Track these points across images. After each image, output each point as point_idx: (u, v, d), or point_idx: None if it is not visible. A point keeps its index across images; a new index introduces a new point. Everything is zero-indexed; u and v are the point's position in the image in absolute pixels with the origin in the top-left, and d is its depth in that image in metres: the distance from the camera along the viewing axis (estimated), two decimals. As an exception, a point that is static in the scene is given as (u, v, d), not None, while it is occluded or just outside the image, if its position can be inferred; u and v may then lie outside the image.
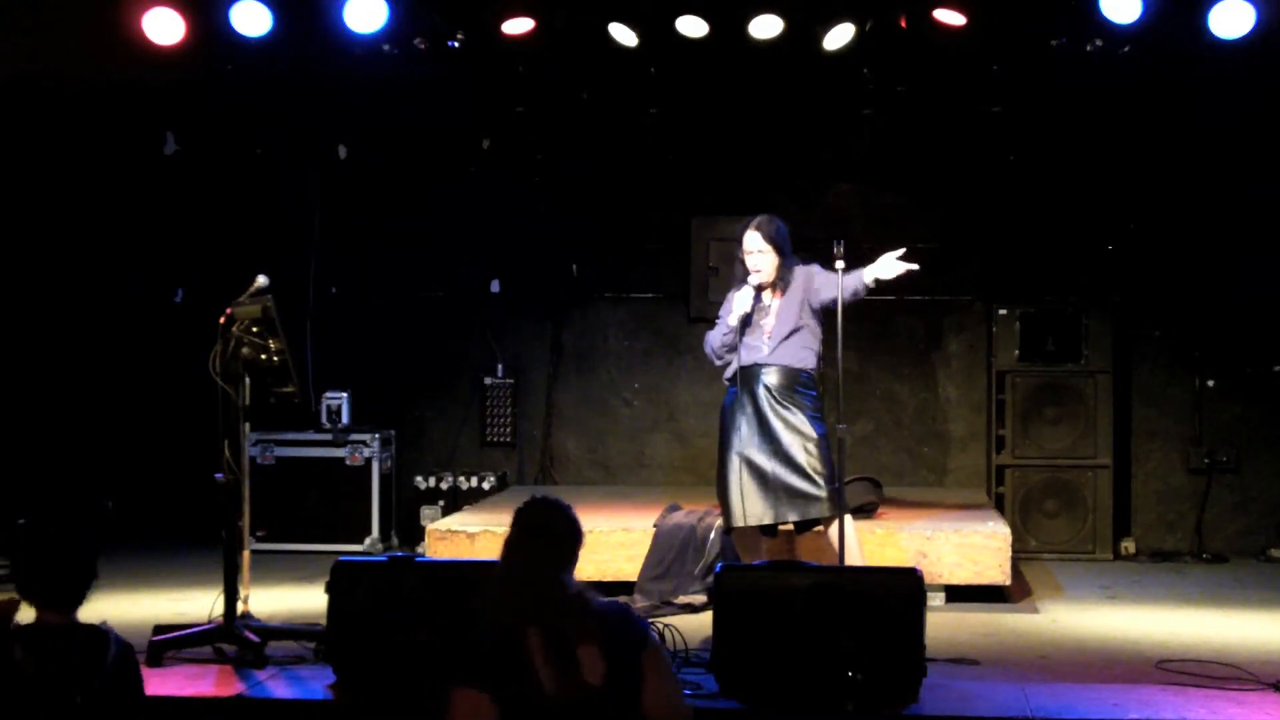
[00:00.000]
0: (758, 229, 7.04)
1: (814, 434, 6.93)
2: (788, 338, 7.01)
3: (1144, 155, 9.65)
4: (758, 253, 7.02)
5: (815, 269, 7.06)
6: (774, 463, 6.92)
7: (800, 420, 6.95)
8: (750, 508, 6.94)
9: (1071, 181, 9.77)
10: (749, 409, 6.99)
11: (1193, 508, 9.78)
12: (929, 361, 10.12)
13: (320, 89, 9.52)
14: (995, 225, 9.91)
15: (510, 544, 3.95)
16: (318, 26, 8.72)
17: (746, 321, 7.02)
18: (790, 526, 7.10)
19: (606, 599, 3.97)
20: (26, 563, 4.02)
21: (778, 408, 6.97)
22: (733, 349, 7.04)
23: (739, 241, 7.10)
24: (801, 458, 6.90)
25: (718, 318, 7.20)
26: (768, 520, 6.96)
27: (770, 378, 7.00)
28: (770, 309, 7.06)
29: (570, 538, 3.96)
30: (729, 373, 7.13)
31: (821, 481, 6.89)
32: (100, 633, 3.99)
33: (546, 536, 3.93)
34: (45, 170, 9.95)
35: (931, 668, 5.57)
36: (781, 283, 7.07)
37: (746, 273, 7.05)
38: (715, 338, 7.12)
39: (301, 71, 9.15)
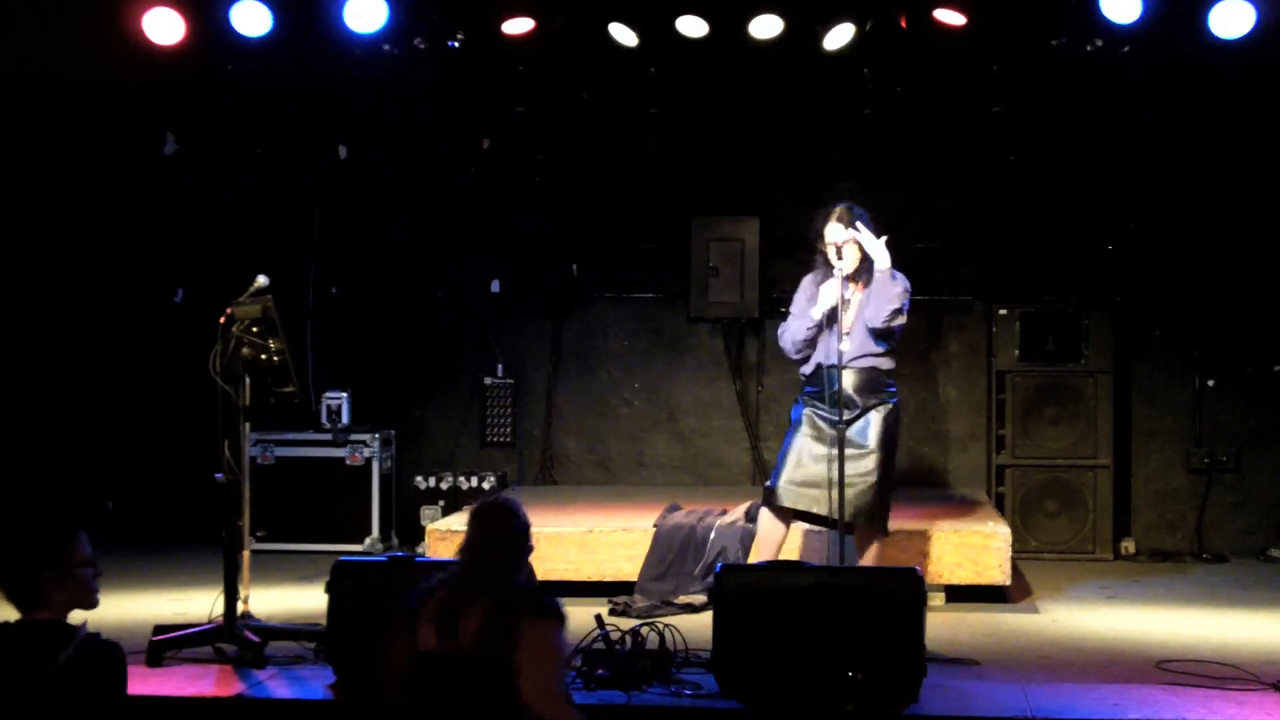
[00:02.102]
0: (839, 220, 6.87)
1: (879, 447, 6.84)
2: (869, 336, 6.87)
3: (1144, 155, 9.66)
4: (843, 243, 6.86)
5: (898, 283, 6.83)
6: (834, 465, 6.76)
7: (871, 432, 6.84)
8: (806, 491, 6.86)
9: (1072, 181, 9.77)
10: (824, 409, 6.87)
11: (1193, 508, 9.79)
12: (929, 361, 10.12)
13: (320, 89, 9.53)
14: (995, 225, 9.92)
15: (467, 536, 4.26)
16: (318, 26, 8.72)
17: (832, 315, 6.85)
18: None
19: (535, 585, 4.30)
20: None
21: (851, 412, 6.82)
22: (814, 343, 6.90)
23: (819, 234, 6.92)
24: (860, 469, 6.79)
25: (788, 310, 7.06)
26: (803, 507, 6.89)
27: (849, 379, 6.86)
28: (851, 302, 6.91)
29: (515, 534, 4.23)
30: (808, 369, 6.98)
31: (874, 502, 6.83)
32: (66, 630, 3.98)
33: (494, 532, 4.22)
34: (45, 170, 9.95)
35: (931, 668, 5.57)
36: (865, 274, 6.90)
37: (826, 263, 6.91)
38: (798, 331, 6.92)
39: (301, 71, 9.16)
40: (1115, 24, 8.28)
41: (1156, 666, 6.27)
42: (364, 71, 9.09)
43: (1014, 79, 9.20)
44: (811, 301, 6.93)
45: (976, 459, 9.99)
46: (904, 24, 8.58)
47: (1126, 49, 8.52)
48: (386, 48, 8.85)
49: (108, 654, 4.03)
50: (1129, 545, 9.60)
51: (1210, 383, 9.80)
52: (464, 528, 4.32)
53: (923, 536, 7.75)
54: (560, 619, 4.11)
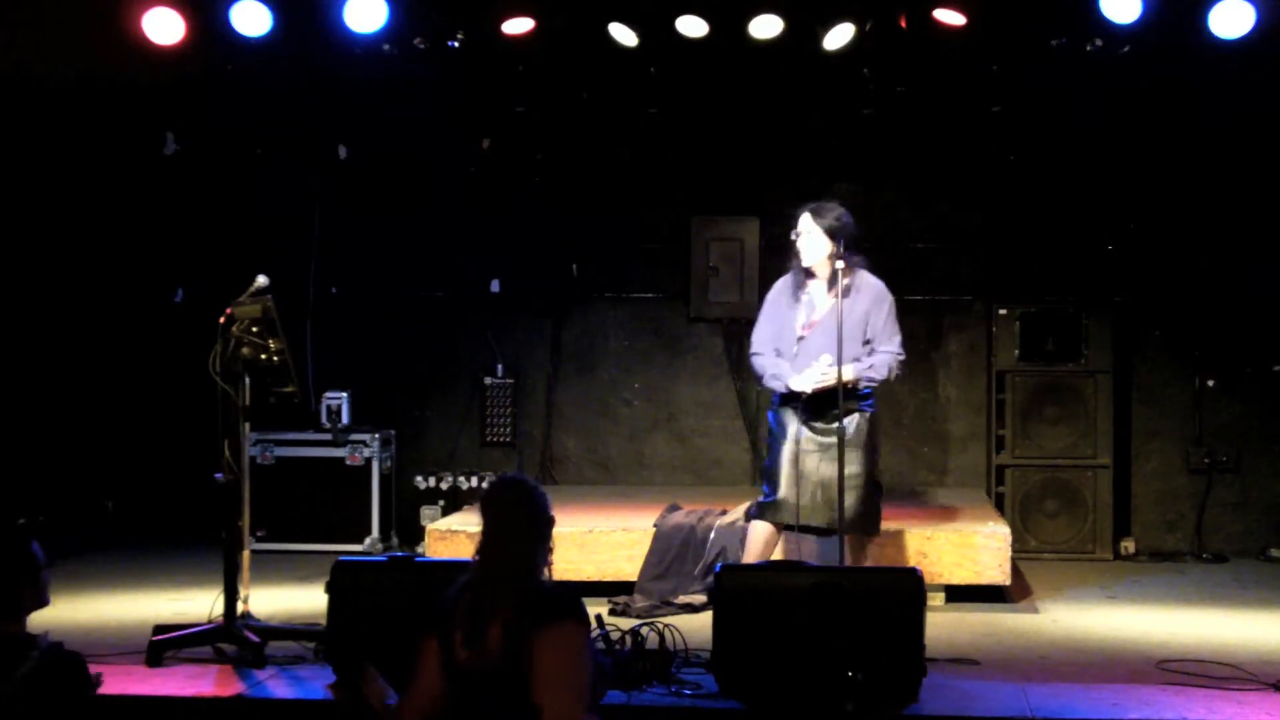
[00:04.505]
0: (813, 213, 6.93)
1: (862, 447, 6.86)
2: (850, 359, 6.78)
3: (1144, 155, 9.66)
4: (805, 234, 6.91)
5: (887, 304, 6.91)
6: (821, 472, 6.84)
7: (854, 433, 6.85)
8: (797, 507, 6.87)
9: (1071, 181, 9.77)
10: (801, 417, 6.89)
11: (1193, 508, 9.79)
12: (929, 361, 10.11)
13: (320, 89, 9.52)
14: (995, 225, 9.92)
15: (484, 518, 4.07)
16: (318, 26, 8.71)
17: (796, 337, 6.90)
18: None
19: (558, 583, 4.00)
20: None
21: (829, 423, 6.84)
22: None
23: (795, 222, 7.00)
24: (846, 474, 6.79)
25: (757, 323, 7.06)
26: (804, 520, 6.91)
27: (824, 398, 6.82)
28: (819, 312, 6.90)
29: (530, 510, 4.07)
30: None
31: (864, 508, 6.87)
32: (28, 641, 3.96)
33: (508, 519, 4.06)
34: (45, 170, 9.94)
35: (931, 668, 5.57)
36: (834, 281, 6.84)
37: (801, 265, 6.95)
38: (775, 384, 6.92)
39: (301, 71, 9.15)
40: (1115, 24, 8.27)
41: (1156, 666, 6.27)
42: (364, 71, 9.09)
43: (1014, 79, 9.19)
44: (783, 325, 6.93)
45: (976, 459, 10.00)
46: (904, 24, 8.57)
47: (1126, 49, 8.52)
48: (386, 48, 8.84)
49: (69, 665, 4.02)
50: (1129, 545, 9.60)
51: (1210, 383, 9.80)
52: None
53: (923, 536, 7.76)
54: (580, 621, 3.77)
